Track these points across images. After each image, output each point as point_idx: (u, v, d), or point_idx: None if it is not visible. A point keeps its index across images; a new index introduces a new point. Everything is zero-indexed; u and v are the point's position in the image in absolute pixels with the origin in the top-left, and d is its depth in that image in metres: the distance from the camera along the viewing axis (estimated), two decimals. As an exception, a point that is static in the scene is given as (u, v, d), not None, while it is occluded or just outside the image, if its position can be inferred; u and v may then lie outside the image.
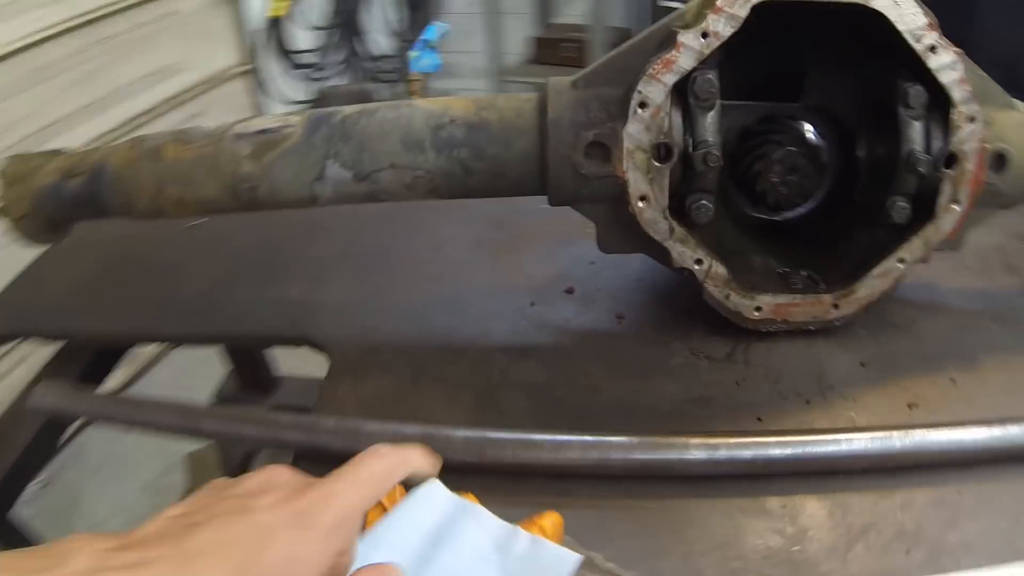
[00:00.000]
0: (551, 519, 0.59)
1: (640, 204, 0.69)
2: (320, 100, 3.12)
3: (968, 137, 0.72)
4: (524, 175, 0.70)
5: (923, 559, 0.59)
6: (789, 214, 0.86)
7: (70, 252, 1.05)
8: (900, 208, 0.75)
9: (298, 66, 3.19)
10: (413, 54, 3.28)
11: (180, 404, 0.74)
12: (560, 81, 0.70)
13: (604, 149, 0.67)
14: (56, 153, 0.87)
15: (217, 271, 0.99)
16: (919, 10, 0.68)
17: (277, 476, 0.45)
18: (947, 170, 0.73)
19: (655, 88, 0.65)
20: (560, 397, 0.72)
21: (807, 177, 0.82)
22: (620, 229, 0.73)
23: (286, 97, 3.14)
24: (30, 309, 0.98)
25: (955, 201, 0.74)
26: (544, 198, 0.73)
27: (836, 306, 0.78)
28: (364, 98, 3.33)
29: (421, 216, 1.03)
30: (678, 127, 0.68)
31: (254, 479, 0.45)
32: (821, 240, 0.85)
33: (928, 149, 0.72)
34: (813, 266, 0.82)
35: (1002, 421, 0.68)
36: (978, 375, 0.77)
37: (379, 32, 3.59)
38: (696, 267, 0.73)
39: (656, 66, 0.65)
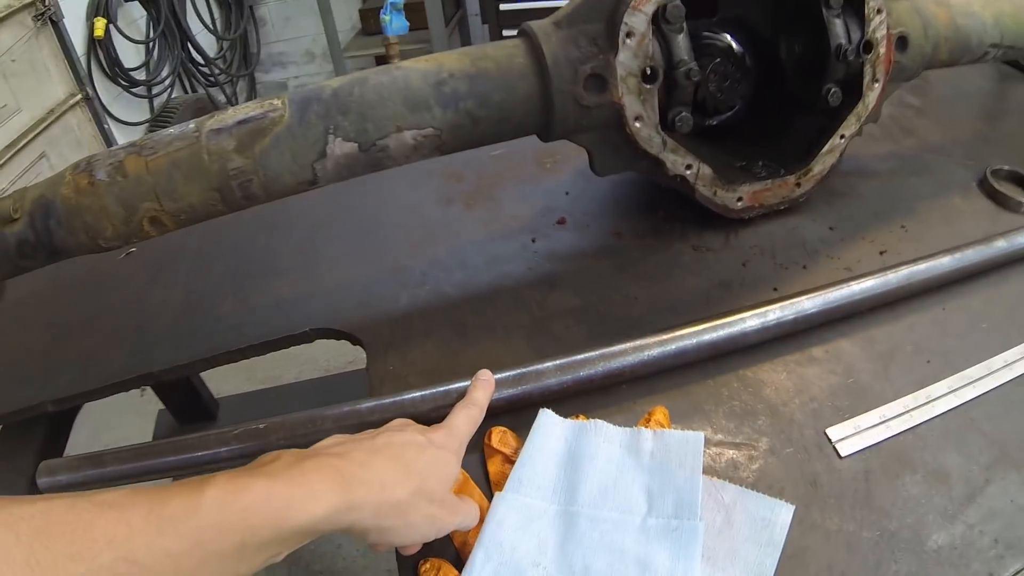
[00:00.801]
0: (660, 412, 0.66)
1: (636, 124, 0.77)
2: (163, 116, 2.95)
3: (878, 26, 0.85)
4: (528, 115, 0.75)
5: (940, 363, 0.73)
6: (726, 116, 0.97)
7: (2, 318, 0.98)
8: (835, 94, 0.87)
9: (132, 84, 2.99)
10: (385, 18, 3.09)
11: (205, 434, 0.70)
12: (541, 24, 0.75)
13: (600, 80, 0.74)
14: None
15: (180, 295, 0.94)
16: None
17: (406, 423, 0.60)
18: (866, 55, 0.86)
19: (638, 18, 0.73)
20: (603, 313, 0.79)
21: (737, 80, 0.93)
22: (613, 151, 0.81)
23: (125, 119, 2.96)
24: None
25: (875, 80, 0.88)
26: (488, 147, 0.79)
27: (799, 184, 0.90)
28: (204, 105, 3.18)
29: (377, 190, 1.04)
30: (658, 51, 0.76)
31: (392, 425, 0.60)
32: (759, 134, 0.97)
33: (850, 40, 0.85)
34: (763, 156, 0.94)
35: (953, 249, 0.83)
36: (917, 219, 0.93)
37: (201, 35, 3.42)
38: (687, 172, 0.82)
39: (636, -2, 0.72)
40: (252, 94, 3.74)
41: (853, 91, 0.88)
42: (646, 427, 0.64)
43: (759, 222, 0.91)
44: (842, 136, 0.89)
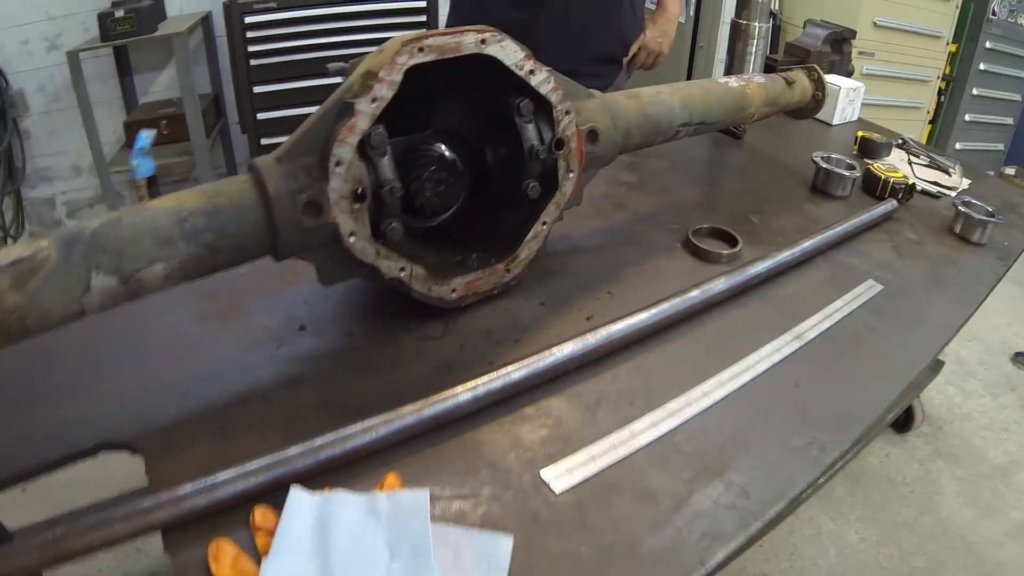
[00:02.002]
0: (392, 477, 0.79)
1: (351, 239, 0.90)
2: None
3: (568, 125, 1.05)
4: (259, 242, 0.86)
5: (644, 404, 0.91)
6: (444, 217, 1.13)
7: None
8: (533, 187, 1.06)
9: None
10: (133, 163, 3.02)
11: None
12: (265, 160, 0.88)
13: (316, 205, 0.87)
14: None
15: None
16: (517, 47, 0.99)
17: None
18: (559, 151, 1.05)
19: (345, 149, 0.87)
20: (341, 404, 0.90)
21: (451, 184, 1.09)
22: (336, 263, 0.94)
23: None
24: None
25: (570, 171, 1.07)
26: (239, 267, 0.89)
27: (508, 270, 1.07)
28: None
29: (140, 314, 1.09)
30: (365, 174, 0.90)
31: None
32: (473, 229, 1.14)
33: (542, 141, 1.04)
34: (478, 249, 1.10)
35: (651, 305, 1.03)
36: (624, 283, 1.13)
37: None
38: (402, 274, 0.96)
39: (343, 132, 0.86)
40: (19, 212, 3.58)
41: (552, 183, 1.07)
42: (380, 491, 0.76)
43: (476, 308, 1.07)
44: (544, 223, 1.07)
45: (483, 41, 0.97)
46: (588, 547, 0.74)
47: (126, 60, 3.52)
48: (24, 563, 0.71)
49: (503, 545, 0.72)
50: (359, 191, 0.89)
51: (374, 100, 0.88)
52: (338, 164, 0.87)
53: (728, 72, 2.15)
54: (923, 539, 2.01)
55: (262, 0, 3.08)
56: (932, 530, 2.04)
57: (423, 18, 3.40)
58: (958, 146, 4.32)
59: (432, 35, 0.93)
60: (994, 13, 4.03)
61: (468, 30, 0.96)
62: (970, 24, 4.11)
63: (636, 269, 1.20)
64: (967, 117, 4.29)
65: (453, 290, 1.02)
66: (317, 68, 3.22)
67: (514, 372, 0.89)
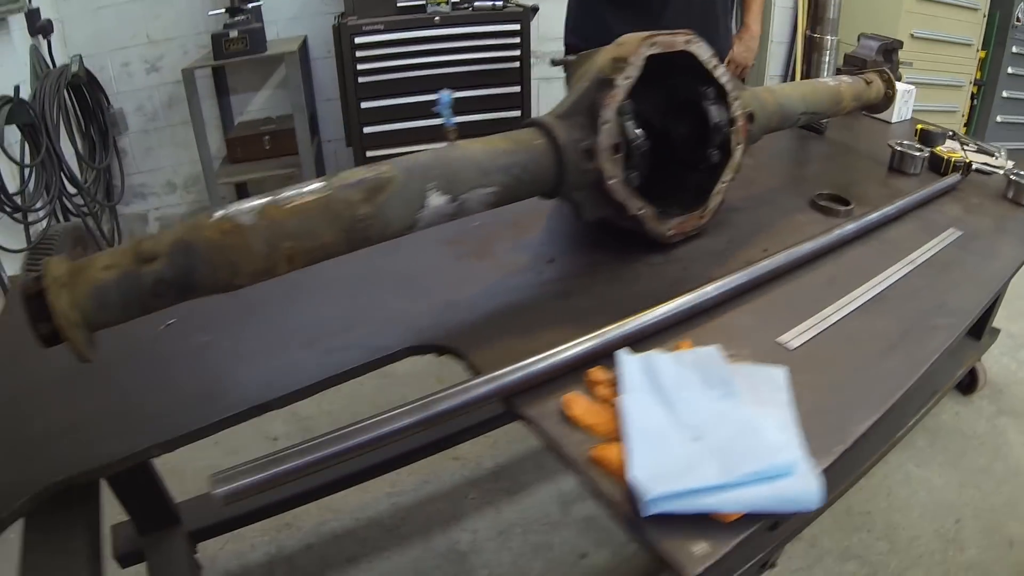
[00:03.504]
0: (686, 343, 1.08)
1: (611, 181, 1.23)
2: (44, 243, 2.99)
3: (737, 108, 1.39)
4: (548, 178, 1.19)
5: (813, 305, 1.22)
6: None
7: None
8: (715, 154, 1.39)
9: (13, 210, 2.94)
10: (446, 113, 3.28)
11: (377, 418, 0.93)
12: (548, 118, 1.21)
13: (590, 153, 1.20)
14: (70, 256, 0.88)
15: (232, 354, 1.17)
16: (707, 47, 1.33)
17: None
18: (731, 128, 1.38)
19: (608, 112, 1.20)
20: (611, 304, 1.20)
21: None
22: (592, 202, 1.27)
23: (4, 245, 2.91)
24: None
25: (738, 143, 1.40)
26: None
27: (702, 217, 1.40)
28: (82, 234, 3.24)
29: (401, 256, 1.38)
30: (620, 133, 1.23)
31: None
32: (660, 189, 1.46)
33: (720, 119, 1.37)
34: (670, 203, 1.42)
35: (806, 240, 1.35)
36: (775, 229, 1.47)
37: (74, 164, 3.46)
38: (640, 212, 1.29)
39: (607, 99, 1.20)
40: (115, 226, 3.85)
41: (724, 152, 1.40)
42: (680, 350, 1.06)
43: (679, 245, 1.41)
44: (723, 182, 1.41)
45: (688, 41, 1.32)
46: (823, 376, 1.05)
47: (223, 81, 3.89)
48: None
49: (779, 373, 1.01)
50: (616, 144, 1.22)
51: (627, 77, 1.22)
52: (605, 123, 1.20)
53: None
54: (998, 482, 2.31)
55: (371, 22, 3.45)
56: (1005, 474, 2.34)
57: (516, 40, 3.77)
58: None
59: (658, 35, 1.28)
60: (1019, 20, 4.41)
61: (678, 33, 1.32)
62: (997, 31, 4.49)
63: (780, 221, 1.53)
64: (998, 118, 4.67)
65: (670, 229, 1.36)
66: (419, 86, 3.60)
67: (739, 275, 1.21)
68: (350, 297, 1.30)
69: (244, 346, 1.19)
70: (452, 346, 1.15)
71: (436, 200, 1.08)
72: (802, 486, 0.84)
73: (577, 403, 0.99)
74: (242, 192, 3.84)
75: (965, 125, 4.67)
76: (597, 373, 1.03)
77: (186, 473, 1.71)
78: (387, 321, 1.22)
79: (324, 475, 1.99)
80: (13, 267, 2.86)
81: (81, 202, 3.42)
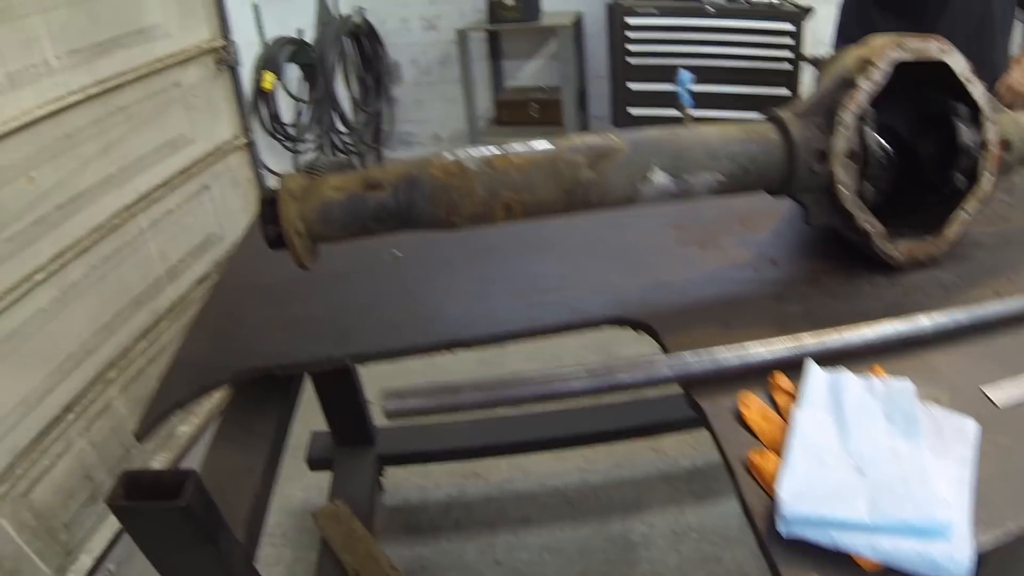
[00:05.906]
0: (878, 369, 1.04)
1: (842, 188, 1.20)
2: (309, 169, 3.34)
3: (991, 131, 1.30)
4: (776, 174, 1.18)
5: None
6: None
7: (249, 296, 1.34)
8: (959, 179, 1.31)
9: (284, 138, 3.44)
10: (683, 91, 3.54)
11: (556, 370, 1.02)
12: (786, 113, 1.20)
13: (822, 154, 1.18)
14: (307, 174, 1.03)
15: (446, 293, 1.32)
16: (963, 59, 1.26)
17: None
18: (983, 152, 1.30)
19: (848, 115, 1.17)
20: (820, 316, 1.18)
21: (885, 171, 1.37)
22: (820, 207, 1.24)
23: (273, 169, 3.36)
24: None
25: (990, 171, 1.32)
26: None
27: (936, 245, 1.33)
28: (347, 169, 3.57)
29: (627, 232, 1.46)
30: (858, 139, 1.19)
31: None
32: (897, 209, 1.40)
33: (971, 141, 1.30)
34: (903, 225, 1.36)
35: None
36: (1021, 272, 1.36)
37: (347, 105, 3.96)
38: (870, 228, 1.25)
39: (848, 102, 1.17)
40: (379, 167, 4.28)
41: (972, 179, 1.32)
42: (873, 376, 1.03)
43: (907, 271, 1.34)
44: (966, 212, 1.33)
45: (942, 50, 1.25)
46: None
47: (497, 47, 4.25)
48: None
49: (971, 425, 0.95)
50: (853, 151, 1.19)
51: (870, 80, 1.18)
52: (843, 126, 1.17)
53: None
54: None
55: (645, 4, 3.57)
56: None
57: (789, 40, 3.66)
58: None
59: (909, 39, 1.23)
60: None
61: (931, 38, 1.26)
62: None
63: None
64: None
65: (899, 251, 1.30)
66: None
67: (960, 312, 1.14)
68: (568, 261, 1.39)
69: (457, 286, 1.32)
70: (650, 324, 1.19)
71: (659, 177, 1.12)
72: (954, 553, 0.77)
73: (754, 403, 1.00)
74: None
75: None
76: (783, 380, 1.03)
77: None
78: (596, 289, 1.29)
79: (521, 431, 2.21)
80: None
81: (350, 141, 3.86)
